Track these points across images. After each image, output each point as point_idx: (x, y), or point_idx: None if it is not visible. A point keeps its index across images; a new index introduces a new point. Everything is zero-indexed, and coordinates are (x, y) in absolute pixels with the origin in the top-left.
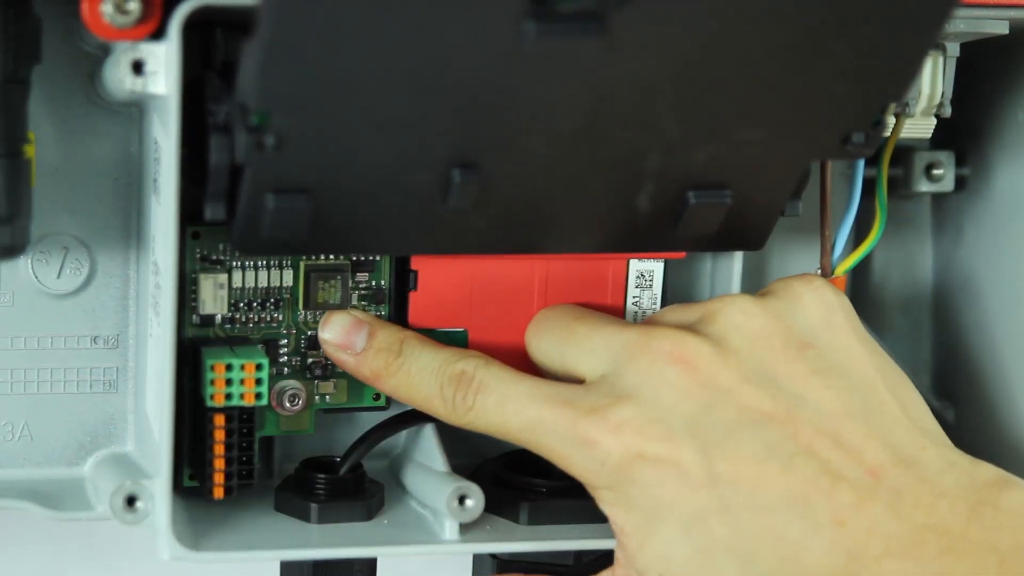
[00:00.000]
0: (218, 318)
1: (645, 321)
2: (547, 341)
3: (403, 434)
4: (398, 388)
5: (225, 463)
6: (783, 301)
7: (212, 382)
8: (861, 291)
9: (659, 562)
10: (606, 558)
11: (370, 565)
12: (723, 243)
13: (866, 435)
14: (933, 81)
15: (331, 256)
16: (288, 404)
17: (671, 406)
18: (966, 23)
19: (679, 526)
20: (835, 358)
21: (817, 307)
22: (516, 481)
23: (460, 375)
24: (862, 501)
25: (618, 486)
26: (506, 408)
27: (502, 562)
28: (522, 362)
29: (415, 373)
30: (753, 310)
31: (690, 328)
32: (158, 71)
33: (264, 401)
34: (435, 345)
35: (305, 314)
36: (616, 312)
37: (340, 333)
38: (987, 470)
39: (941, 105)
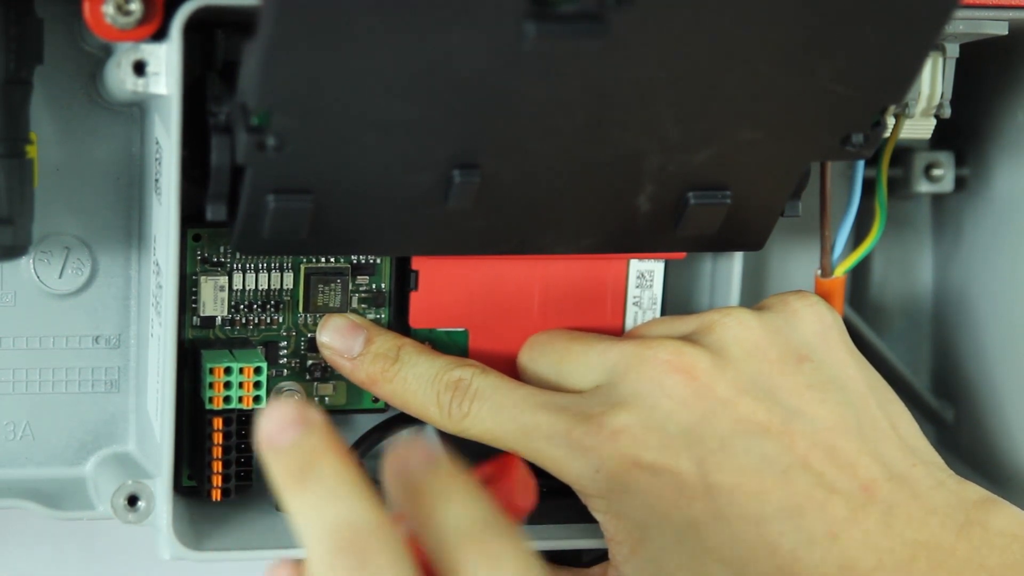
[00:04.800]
0: (218, 320)
1: (633, 332)
2: (543, 364)
3: (403, 434)
4: (394, 394)
5: (223, 465)
6: (780, 315)
7: (211, 385)
8: (861, 291)
9: (649, 570)
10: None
11: None
12: (723, 243)
13: (860, 450)
14: (932, 82)
15: (331, 259)
16: None
17: (668, 415)
18: (965, 24)
19: (672, 535)
20: (830, 373)
21: (813, 323)
22: None
23: (457, 382)
24: (855, 515)
25: (611, 494)
26: (501, 415)
27: None
28: None
29: (412, 380)
30: (751, 323)
31: (687, 339)
32: (159, 72)
33: (263, 404)
34: (432, 353)
35: (305, 316)
36: (616, 312)
37: (337, 337)
38: (974, 490)
39: (941, 106)
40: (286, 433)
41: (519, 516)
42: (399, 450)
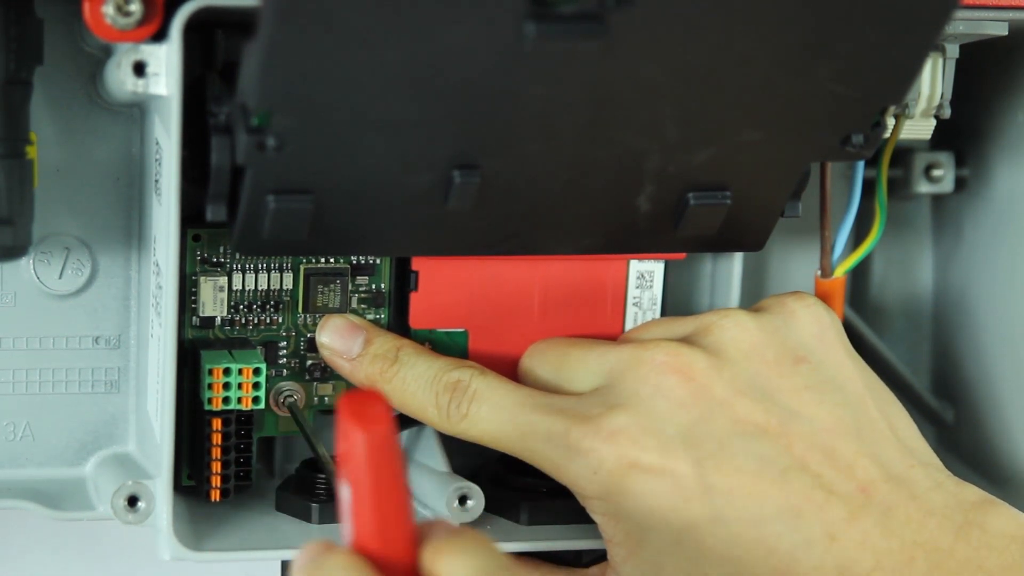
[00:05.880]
0: (218, 320)
1: (631, 334)
2: (543, 369)
3: (404, 435)
4: (392, 395)
5: (222, 466)
6: (778, 317)
7: (210, 386)
8: (861, 292)
9: (648, 571)
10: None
11: None
12: (723, 244)
13: (857, 451)
14: (932, 82)
15: (331, 259)
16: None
17: (666, 416)
18: (965, 24)
19: (670, 536)
20: (827, 374)
21: (810, 324)
22: (516, 481)
23: (455, 384)
24: (854, 516)
25: (609, 495)
26: (499, 416)
27: None
28: None
29: (411, 381)
30: (748, 324)
31: (684, 340)
32: (159, 72)
33: (262, 405)
34: (431, 354)
35: (304, 317)
36: (616, 313)
37: (336, 337)
38: (972, 491)
39: (940, 106)
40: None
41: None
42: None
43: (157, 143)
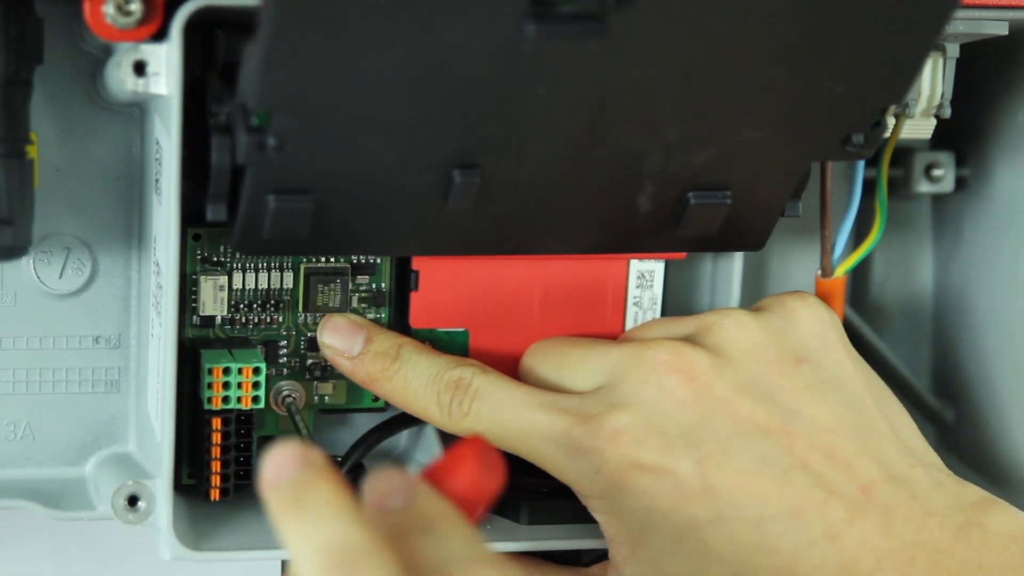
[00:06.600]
0: (218, 319)
1: (632, 333)
2: (544, 369)
3: (404, 434)
4: (393, 393)
5: (222, 465)
6: (778, 316)
7: (210, 385)
8: (861, 292)
9: (649, 571)
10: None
11: None
12: (723, 243)
13: (858, 451)
14: (933, 82)
15: (331, 259)
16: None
17: (668, 415)
18: (966, 24)
19: (672, 536)
20: (828, 374)
21: (811, 323)
22: (516, 481)
23: (457, 382)
24: (854, 516)
25: (611, 495)
26: (501, 414)
27: None
28: None
29: (412, 379)
30: (749, 324)
31: (686, 340)
32: (160, 72)
33: (261, 404)
34: (432, 352)
35: (305, 316)
36: (616, 312)
37: (337, 336)
38: (972, 491)
39: (941, 106)
40: (285, 471)
41: (490, 498)
42: (377, 486)
43: (157, 143)
